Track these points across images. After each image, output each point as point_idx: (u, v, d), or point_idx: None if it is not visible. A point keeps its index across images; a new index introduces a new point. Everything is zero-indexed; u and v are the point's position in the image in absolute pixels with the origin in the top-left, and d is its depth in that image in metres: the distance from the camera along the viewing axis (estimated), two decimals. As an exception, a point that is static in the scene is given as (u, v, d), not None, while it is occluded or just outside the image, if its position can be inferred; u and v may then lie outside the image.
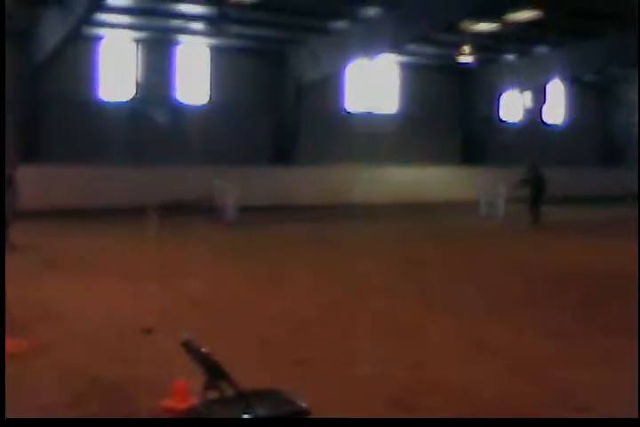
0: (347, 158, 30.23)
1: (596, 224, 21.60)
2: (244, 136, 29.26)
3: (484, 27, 27.80)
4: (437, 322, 7.98)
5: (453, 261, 13.10)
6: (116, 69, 27.08)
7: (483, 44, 29.61)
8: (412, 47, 30.12)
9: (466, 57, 29.46)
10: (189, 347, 4.45)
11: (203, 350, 4.35)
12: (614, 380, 5.69)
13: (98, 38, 26.58)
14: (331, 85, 31.36)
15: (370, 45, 27.25)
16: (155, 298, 7.91)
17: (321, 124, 30.79)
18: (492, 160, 34.44)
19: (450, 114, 35.03)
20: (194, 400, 4.62)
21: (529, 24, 27.60)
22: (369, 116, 32.99)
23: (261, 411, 4.17)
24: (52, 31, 23.04)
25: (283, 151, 29.82)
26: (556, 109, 38.95)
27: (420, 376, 5.99)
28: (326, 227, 19.72)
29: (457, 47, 28.91)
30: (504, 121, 36.63)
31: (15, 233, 13.62)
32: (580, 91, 39.31)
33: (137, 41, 27.33)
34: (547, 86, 37.18)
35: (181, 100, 28.62)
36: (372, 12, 25.88)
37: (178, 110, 28.06)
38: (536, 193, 21.26)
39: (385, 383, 5.81)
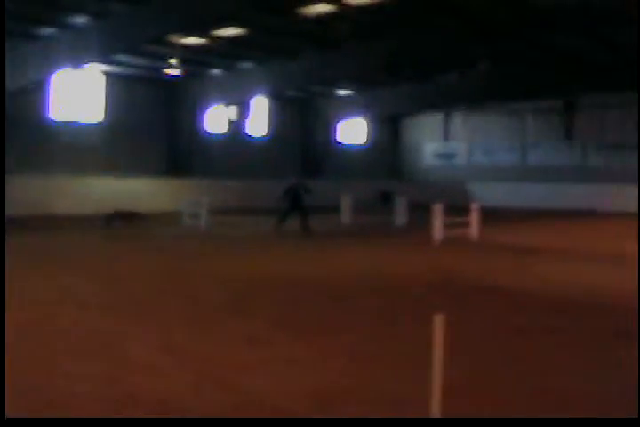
0: (52, 168, 29.90)
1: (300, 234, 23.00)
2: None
3: (192, 41, 29.04)
4: (133, 332, 8.05)
5: (154, 273, 12.96)
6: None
7: (190, 57, 30.81)
8: (120, 57, 30.60)
9: (173, 70, 30.42)
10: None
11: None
12: (299, 383, 6.27)
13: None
14: (36, 93, 30.88)
15: (77, 54, 27.31)
16: None
17: (26, 132, 30.16)
18: (196, 172, 35.61)
19: (157, 124, 35.75)
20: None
21: (234, 40, 29.29)
22: (74, 125, 32.90)
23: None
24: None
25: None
26: (259, 123, 41.20)
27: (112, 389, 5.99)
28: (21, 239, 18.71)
29: (165, 60, 29.78)
30: (209, 133, 38.00)
31: None
32: (283, 105, 42.04)
33: None
34: (251, 101, 39.12)
35: None
36: (80, 20, 25.97)
37: None
38: (292, 205, 22.78)
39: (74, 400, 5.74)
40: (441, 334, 4.74)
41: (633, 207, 37.10)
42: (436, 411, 4.75)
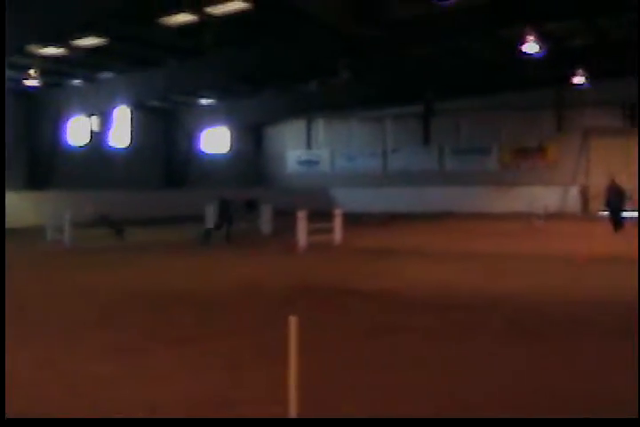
0: None
1: (168, 245, 23.05)
2: None
3: (51, 51, 28.47)
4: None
5: (18, 290, 12.36)
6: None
7: (50, 67, 30.21)
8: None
9: (32, 80, 29.77)
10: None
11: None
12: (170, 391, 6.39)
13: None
14: None
15: None
16: None
17: None
18: (58, 184, 34.85)
19: (17, 136, 34.77)
20: None
21: (95, 50, 28.93)
22: None
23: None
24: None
25: None
26: (122, 133, 40.71)
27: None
28: None
29: (24, 70, 29.10)
30: (71, 144, 37.29)
31: None
32: (145, 115, 41.70)
33: None
34: (113, 111, 38.64)
35: None
36: None
37: None
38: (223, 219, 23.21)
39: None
40: (295, 334, 5.02)
41: (487, 208, 38.93)
42: (292, 411, 5.03)
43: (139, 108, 40.42)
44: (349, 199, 42.02)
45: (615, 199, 24.90)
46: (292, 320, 5.03)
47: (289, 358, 4.99)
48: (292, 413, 4.97)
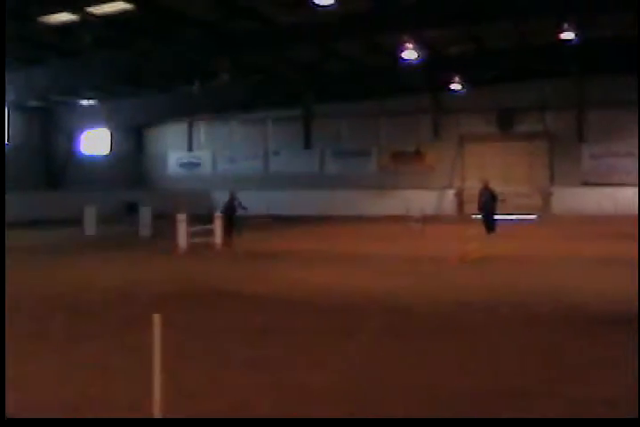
0: None
1: (44, 247, 22.52)
2: None
3: None
4: None
5: None
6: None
7: None
8: None
9: None
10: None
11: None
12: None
13: None
14: None
15: None
16: None
17: None
18: None
19: None
20: None
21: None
22: None
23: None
24: None
25: None
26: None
27: None
28: None
29: None
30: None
31: None
32: (24, 115, 40.49)
33: None
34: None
35: None
36: None
37: None
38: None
39: None
40: (159, 333, 5.02)
41: (367, 211, 39.57)
42: (157, 412, 5.04)
43: (17, 107, 39.15)
44: (231, 202, 41.91)
45: (488, 202, 25.77)
46: (156, 318, 5.02)
47: (153, 357, 4.99)
48: (156, 412, 4.97)
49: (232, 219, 22.99)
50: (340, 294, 12.18)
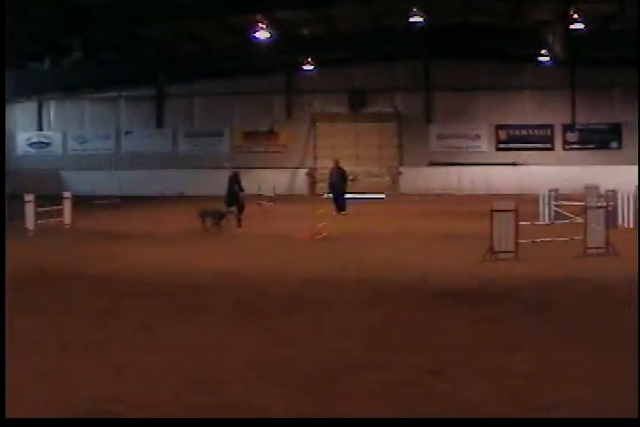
0: None
1: None
2: None
3: None
4: None
5: None
6: None
7: None
8: None
9: None
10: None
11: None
12: None
13: None
14: None
15: None
16: None
17: None
18: None
19: None
20: None
21: None
22: None
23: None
24: None
25: None
26: None
27: None
28: None
29: None
30: None
31: None
32: None
33: None
34: None
35: None
36: None
37: None
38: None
39: None
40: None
41: (221, 191, 39.35)
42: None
43: None
44: (81, 182, 40.94)
45: (338, 182, 26.24)
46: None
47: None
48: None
49: (238, 200, 21.52)
50: (192, 274, 12.18)
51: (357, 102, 43.15)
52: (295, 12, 32.93)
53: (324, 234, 17.44)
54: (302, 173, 42.52)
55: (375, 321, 8.41)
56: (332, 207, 24.66)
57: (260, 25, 29.38)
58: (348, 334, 7.70)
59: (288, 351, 7.02)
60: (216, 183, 41.70)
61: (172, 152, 44.90)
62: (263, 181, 34.91)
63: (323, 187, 37.08)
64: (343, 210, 25.33)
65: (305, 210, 23.09)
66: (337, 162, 27.61)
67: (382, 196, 37.11)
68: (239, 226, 20.66)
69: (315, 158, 43.25)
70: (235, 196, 21.40)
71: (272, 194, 28.83)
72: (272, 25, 30.06)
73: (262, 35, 29.91)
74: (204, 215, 19.74)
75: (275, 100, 44.01)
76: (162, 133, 45.23)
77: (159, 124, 45.32)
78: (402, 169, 42.14)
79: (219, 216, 19.80)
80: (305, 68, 40.04)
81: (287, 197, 34.68)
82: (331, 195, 26.87)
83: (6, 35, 26.17)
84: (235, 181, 21.85)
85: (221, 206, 20.58)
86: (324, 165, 40.24)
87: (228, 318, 8.68)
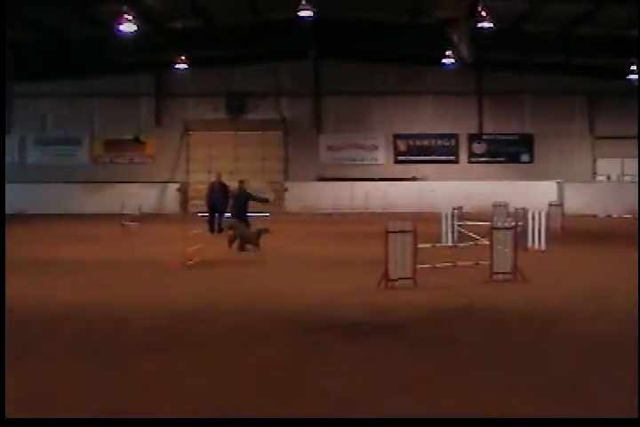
0: None
1: None
2: None
3: None
4: None
5: None
6: None
7: None
8: None
9: None
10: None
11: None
12: None
13: None
14: None
15: None
16: None
17: None
18: None
19: None
20: None
21: None
22: None
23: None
24: None
25: None
26: None
27: None
28: None
29: None
30: None
31: None
32: None
33: None
34: None
35: None
36: None
37: None
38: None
39: None
40: None
41: (76, 208, 38.52)
42: None
43: None
44: None
45: (219, 199, 25.81)
46: None
47: None
48: None
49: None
50: (38, 308, 11.84)
51: (237, 107, 42.99)
52: (166, 2, 32.67)
53: (197, 259, 17.26)
54: (173, 188, 42.02)
55: (250, 362, 8.32)
56: (205, 228, 24.47)
57: (125, 16, 28.95)
58: (215, 377, 7.60)
59: (145, 400, 6.87)
60: (72, 200, 41.37)
61: (19, 162, 43.41)
62: (128, 197, 34.32)
63: (196, 204, 36.86)
64: (220, 231, 25.05)
65: (175, 231, 22.87)
66: (219, 176, 27.48)
67: (266, 215, 37.06)
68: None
69: (187, 172, 42.85)
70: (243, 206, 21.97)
71: (137, 212, 28.33)
72: (139, 16, 29.74)
73: (128, 27, 29.47)
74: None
75: (142, 103, 43.41)
76: (7, 140, 43.79)
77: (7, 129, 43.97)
78: (288, 184, 42.22)
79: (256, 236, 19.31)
80: (177, 66, 39.71)
81: (155, 217, 34.25)
82: (206, 214, 26.64)
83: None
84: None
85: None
86: (199, 180, 40.01)
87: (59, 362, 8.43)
